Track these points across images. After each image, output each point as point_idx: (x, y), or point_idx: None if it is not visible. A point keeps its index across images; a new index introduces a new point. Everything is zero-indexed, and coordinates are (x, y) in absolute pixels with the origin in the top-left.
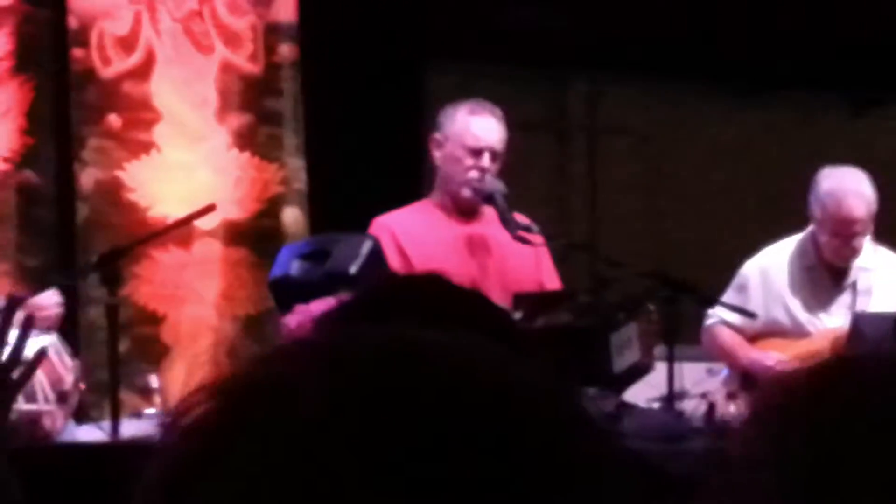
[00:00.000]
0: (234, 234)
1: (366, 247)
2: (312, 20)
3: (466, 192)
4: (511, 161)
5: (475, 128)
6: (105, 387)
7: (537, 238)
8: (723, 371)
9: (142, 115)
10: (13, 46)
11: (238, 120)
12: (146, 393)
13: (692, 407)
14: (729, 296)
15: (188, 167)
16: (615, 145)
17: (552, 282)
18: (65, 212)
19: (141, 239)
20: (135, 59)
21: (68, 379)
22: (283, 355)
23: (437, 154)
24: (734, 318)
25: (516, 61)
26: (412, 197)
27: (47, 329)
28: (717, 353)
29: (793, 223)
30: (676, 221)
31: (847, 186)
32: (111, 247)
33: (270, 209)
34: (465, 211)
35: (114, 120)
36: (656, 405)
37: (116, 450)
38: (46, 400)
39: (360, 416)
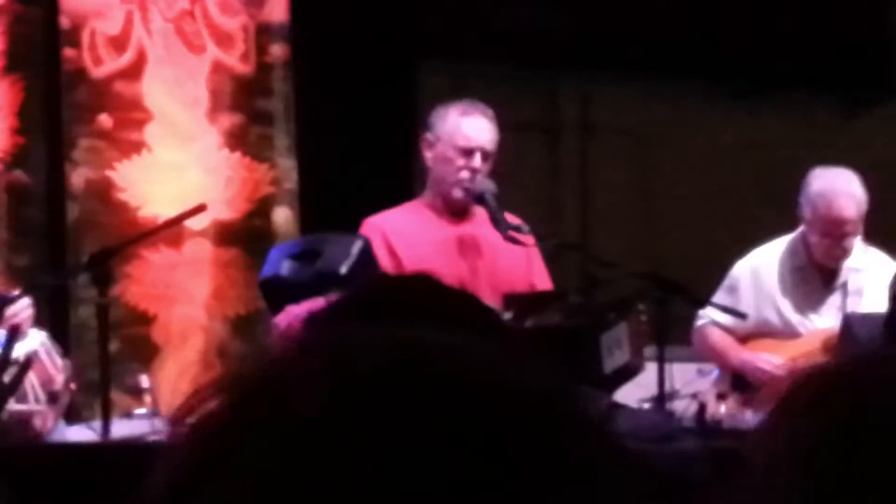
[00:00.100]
0: (225, 234)
1: (356, 247)
2: (304, 20)
3: (457, 193)
4: (503, 161)
5: (466, 128)
6: (95, 387)
7: (528, 238)
8: (713, 371)
9: (133, 114)
10: (4, 46)
11: (229, 120)
12: (137, 393)
13: (682, 407)
14: (720, 296)
15: (179, 167)
16: (607, 145)
17: (543, 282)
18: (55, 211)
19: (131, 239)
20: (126, 58)
21: (59, 379)
22: (285, 355)
23: (428, 154)
24: (725, 318)
25: (508, 61)
26: (403, 197)
27: (23, 333)
28: (708, 354)
29: (791, 224)
30: (672, 222)
31: (838, 187)
32: (102, 247)
33: (261, 209)
34: (456, 211)
35: (105, 120)
36: (647, 405)
37: (107, 450)
38: (37, 400)
39: (356, 416)
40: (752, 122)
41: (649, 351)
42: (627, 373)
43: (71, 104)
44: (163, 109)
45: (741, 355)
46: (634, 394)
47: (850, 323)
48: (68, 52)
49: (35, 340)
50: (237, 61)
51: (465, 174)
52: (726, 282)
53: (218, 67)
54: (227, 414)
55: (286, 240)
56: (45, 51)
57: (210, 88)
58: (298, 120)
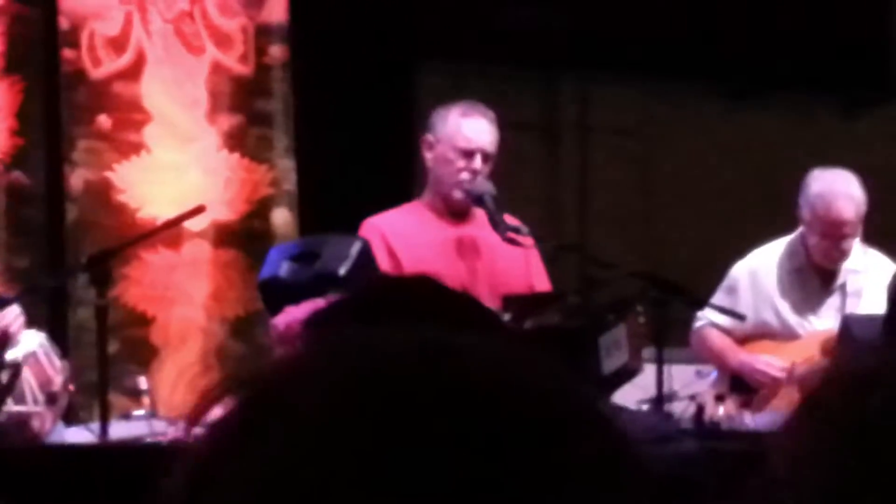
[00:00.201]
0: (224, 235)
1: (355, 248)
2: (303, 21)
3: (458, 194)
4: (502, 161)
5: (467, 129)
6: (94, 388)
7: (527, 240)
8: (712, 373)
9: (132, 115)
10: (3, 47)
11: (228, 121)
12: (135, 394)
13: (681, 409)
14: (718, 298)
15: (178, 168)
16: (607, 145)
17: (542, 283)
18: (54, 212)
19: (130, 240)
20: (125, 59)
21: (57, 380)
22: (287, 357)
23: (428, 155)
24: (723, 320)
25: (508, 61)
26: (402, 198)
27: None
28: (707, 355)
29: (790, 224)
30: (671, 222)
31: (836, 189)
32: (100, 248)
33: (260, 210)
34: (455, 213)
35: (104, 121)
36: (645, 407)
37: (105, 451)
38: (35, 401)
39: (357, 417)
40: (751, 122)
41: (648, 352)
42: (626, 374)
43: (70, 105)
44: (162, 110)
45: (740, 357)
46: (633, 395)
47: (849, 324)
48: (67, 53)
49: (33, 341)
50: (236, 62)
51: (465, 175)
52: (725, 283)
53: (217, 68)
54: (231, 417)
55: (285, 241)
56: (44, 52)
57: (209, 89)
58: (297, 121)
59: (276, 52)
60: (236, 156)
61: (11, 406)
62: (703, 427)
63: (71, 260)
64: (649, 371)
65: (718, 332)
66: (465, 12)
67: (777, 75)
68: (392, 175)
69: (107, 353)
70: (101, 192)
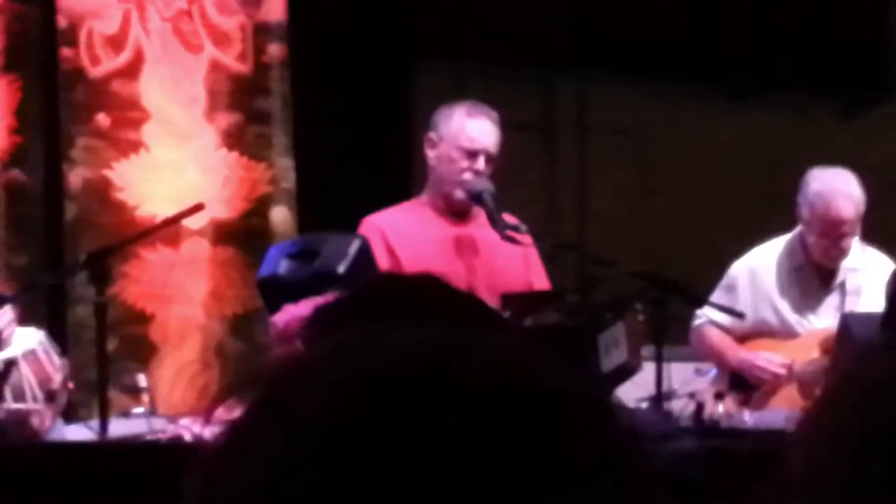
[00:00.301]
0: (223, 233)
1: (354, 246)
2: (302, 20)
3: (459, 194)
4: (501, 160)
5: (471, 130)
6: (93, 386)
7: (526, 238)
8: (711, 371)
9: (130, 114)
10: (2, 45)
11: (227, 119)
12: (134, 392)
13: (680, 407)
14: (717, 296)
15: (177, 166)
16: (606, 145)
17: (541, 282)
18: (53, 211)
19: (129, 238)
20: (124, 58)
21: (56, 378)
22: (288, 357)
23: (430, 154)
24: (722, 318)
25: (507, 61)
26: (401, 196)
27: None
28: (706, 354)
29: (790, 224)
30: (671, 222)
31: (835, 187)
32: (99, 246)
33: (259, 208)
34: (456, 212)
35: (102, 119)
36: (644, 405)
37: (105, 449)
38: (35, 399)
39: (358, 416)
40: (751, 122)
41: (647, 350)
42: (625, 372)
43: (68, 103)
44: (160, 109)
45: (739, 354)
46: (632, 393)
47: (848, 323)
48: (66, 51)
49: (33, 339)
50: (235, 61)
51: (467, 175)
52: (724, 281)
53: (215, 67)
54: (234, 418)
55: (284, 239)
56: (42, 50)
57: (207, 88)
58: (296, 119)
59: (275, 50)
60: (235, 154)
61: (11, 403)
62: (702, 425)
63: (70, 258)
64: (648, 369)
65: (718, 330)
66: (465, 12)
67: (777, 75)
68: (391, 174)
69: (106, 351)
70: (100, 190)
